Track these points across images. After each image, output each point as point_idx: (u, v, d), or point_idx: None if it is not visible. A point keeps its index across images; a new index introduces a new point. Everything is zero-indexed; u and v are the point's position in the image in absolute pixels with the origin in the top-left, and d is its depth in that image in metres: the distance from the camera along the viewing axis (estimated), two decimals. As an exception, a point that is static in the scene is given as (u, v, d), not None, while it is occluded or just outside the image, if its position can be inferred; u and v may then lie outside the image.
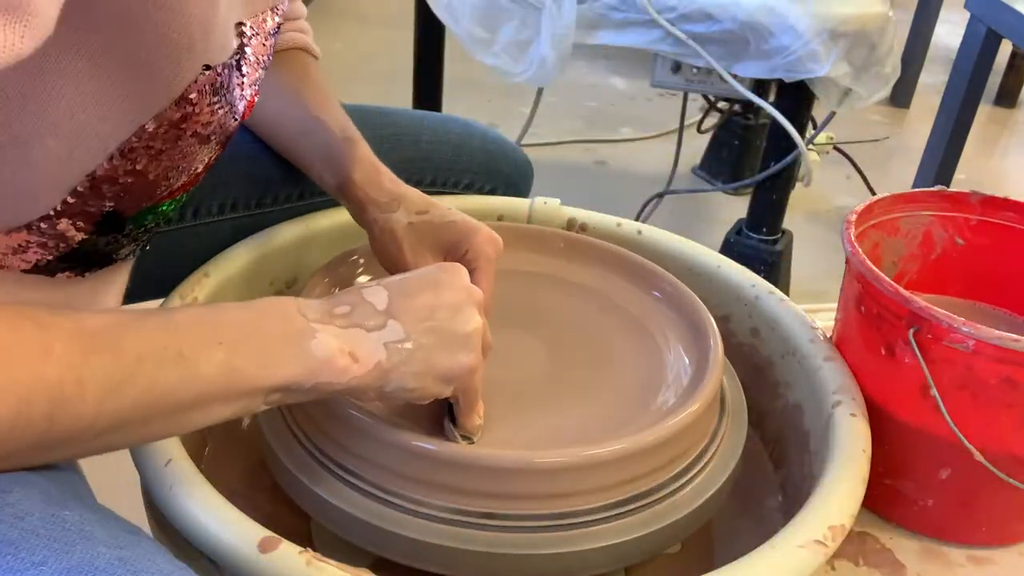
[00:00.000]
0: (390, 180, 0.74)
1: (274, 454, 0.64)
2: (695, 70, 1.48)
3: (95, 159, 0.53)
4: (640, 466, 0.62)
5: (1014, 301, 0.83)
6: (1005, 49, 2.06)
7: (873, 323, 0.71)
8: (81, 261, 0.61)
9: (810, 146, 1.59)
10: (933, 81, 2.84)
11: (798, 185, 1.64)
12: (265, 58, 0.63)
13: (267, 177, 0.85)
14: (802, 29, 1.35)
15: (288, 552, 0.52)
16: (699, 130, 2.18)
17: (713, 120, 2.20)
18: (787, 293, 1.14)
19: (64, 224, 0.56)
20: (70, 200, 0.55)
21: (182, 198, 0.64)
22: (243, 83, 0.61)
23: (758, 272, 0.86)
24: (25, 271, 0.58)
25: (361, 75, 2.63)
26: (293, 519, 0.66)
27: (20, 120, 0.49)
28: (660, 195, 1.90)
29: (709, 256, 0.87)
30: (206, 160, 0.63)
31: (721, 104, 2.07)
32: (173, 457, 0.59)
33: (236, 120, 0.62)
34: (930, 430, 0.68)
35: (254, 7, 0.60)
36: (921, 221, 0.82)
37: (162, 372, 0.46)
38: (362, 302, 0.55)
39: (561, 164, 2.29)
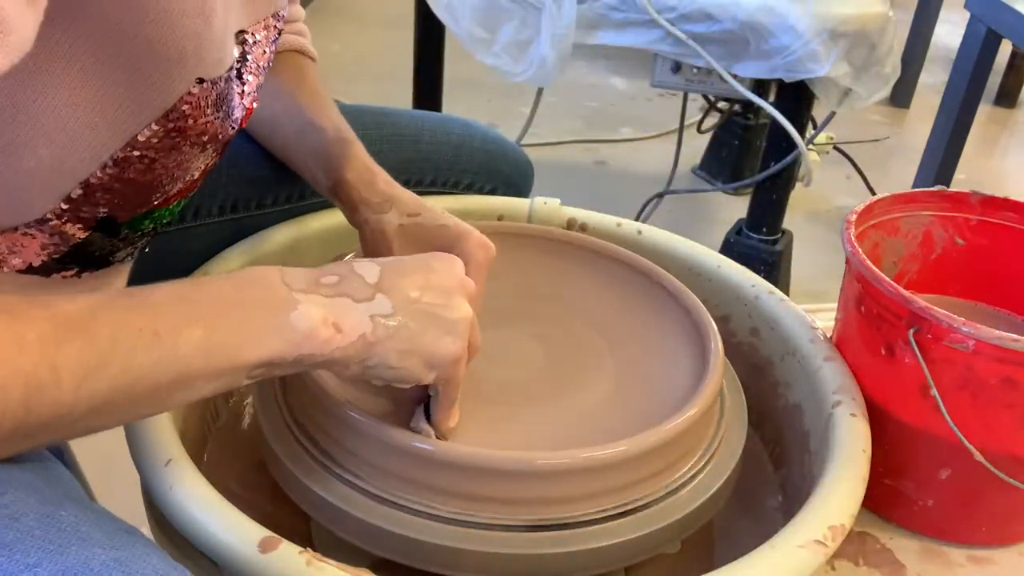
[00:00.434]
0: (384, 181, 0.74)
1: (274, 454, 0.64)
2: (695, 70, 1.48)
3: (88, 167, 0.53)
4: (640, 467, 0.62)
5: (1014, 301, 0.83)
6: (1005, 49, 2.06)
7: (873, 323, 0.71)
8: (77, 261, 0.61)
9: (810, 146, 1.59)
10: (933, 81, 2.84)
11: (798, 185, 1.64)
12: (265, 65, 0.63)
13: (267, 178, 0.85)
14: (802, 29, 1.35)
15: (288, 552, 0.52)
16: (699, 130, 2.18)
17: (713, 120, 2.20)
18: (787, 293, 1.14)
19: (53, 228, 0.56)
20: (64, 206, 0.55)
21: (179, 204, 0.64)
22: (243, 91, 0.61)
23: (758, 272, 0.86)
24: (21, 271, 0.58)
25: (361, 75, 2.63)
26: (293, 519, 0.66)
27: (12, 129, 0.49)
28: (660, 195, 1.90)
29: (709, 256, 0.87)
30: (202, 167, 0.63)
31: (721, 104, 2.07)
32: (173, 457, 0.59)
33: (234, 129, 0.62)
34: (930, 430, 0.68)
35: (255, 15, 0.59)
36: (921, 221, 0.82)
37: (137, 354, 0.45)
38: (352, 274, 0.55)
39: (561, 164, 2.29)
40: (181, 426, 0.66)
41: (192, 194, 0.65)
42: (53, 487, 0.48)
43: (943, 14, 2.64)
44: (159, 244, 0.70)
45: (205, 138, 0.59)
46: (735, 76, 1.43)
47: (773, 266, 1.68)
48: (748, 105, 2.02)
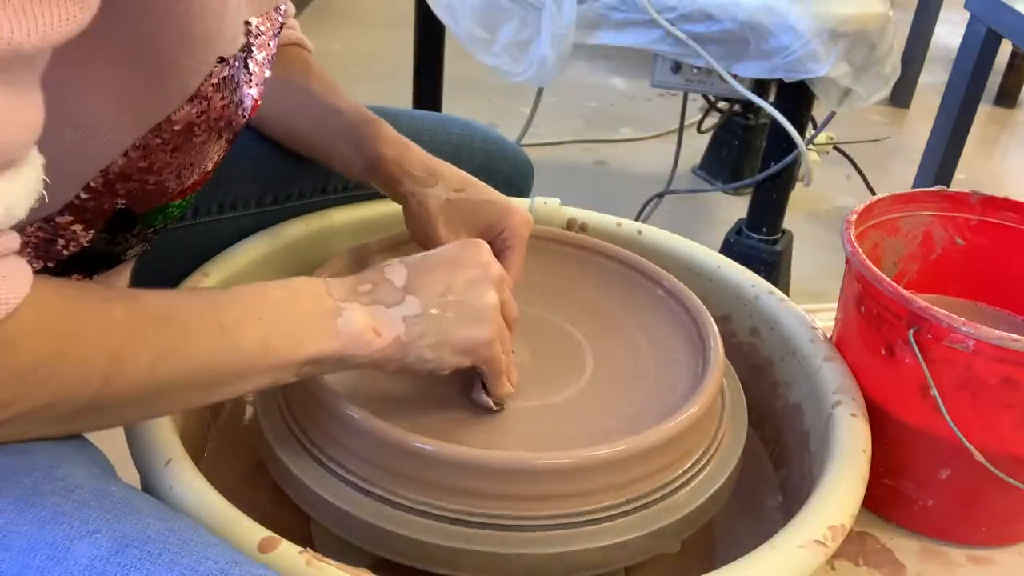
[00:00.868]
0: (422, 155, 0.76)
1: (274, 454, 0.64)
2: (695, 70, 1.48)
3: (110, 154, 0.54)
4: (640, 467, 0.62)
5: (1014, 301, 0.83)
6: (1005, 49, 2.06)
7: (873, 323, 0.71)
8: (91, 262, 0.61)
9: (810, 146, 1.59)
10: (933, 81, 2.84)
11: (798, 185, 1.64)
12: (269, 59, 0.63)
13: (268, 176, 0.85)
14: (802, 29, 1.35)
15: (288, 552, 0.52)
16: (699, 130, 2.18)
17: (713, 120, 2.20)
18: (787, 293, 1.14)
19: (71, 221, 0.56)
20: (83, 196, 0.55)
21: (191, 198, 0.65)
22: (251, 81, 0.61)
23: (758, 272, 0.86)
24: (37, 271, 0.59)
25: (361, 75, 2.63)
26: (293, 519, 0.66)
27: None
28: (660, 195, 1.90)
29: (709, 256, 0.87)
30: (215, 158, 0.63)
31: (721, 104, 2.07)
32: (173, 457, 0.59)
33: (244, 117, 0.62)
34: (930, 430, 0.68)
35: (260, 6, 0.60)
36: (921, 221, 0.82)
37: (204, 342, 0.50)
38: (383, 280, 0.59)
39: (561, 164, 2.29)
40: (181, 426, 0.66)
41: (203, 187, 0.65)
42: (98, 465, 0.51)
43: (943, 14, 2.64)
44: (159, 242, 0.70)
45: (222, 124, 0.59)
46: (735, 76, 1.43)
47: (773, 266, 1.68)
48: (748, 105, 2.02)
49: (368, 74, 2.63)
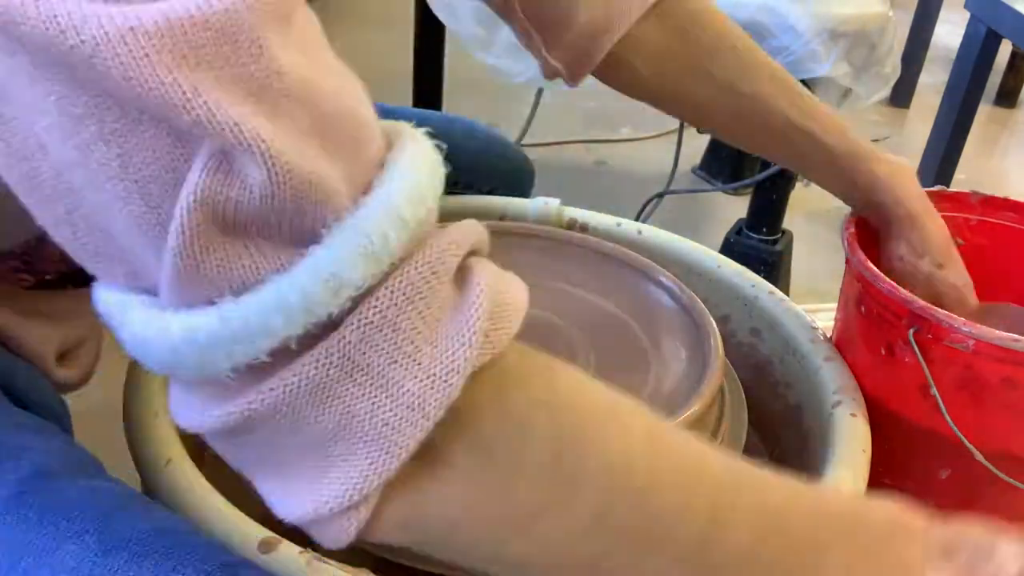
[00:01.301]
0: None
1: (274, 454, 0.64)
2: (695, 70, 1.48)
3: None
4: (640, 466, 0.62)
5: (1014, 301, 0.83)
6: (1005, 49, 2.06)
7: (873, 323, 0.71)
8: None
9: (810, 146, 1.59)
10: (933, 81, 2.84)
11: (798, 185, 1.64)
12: None
13: None
14: (802, 29, 1.35)
15: (288, 552, 0.52)
16: (699, 130, 2.18)
17: (713, 120, 2.20)
18: (787, 293, 1.14)
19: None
20: None
21: None
22: None
23: (758, 272, 0.86)
24: (30, 287, 0.58)
25: (361, 75, 2.62)
26: (293, 519, 0.66)
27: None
28: (660, 195, 1.90)
29: (709, 256, 0.87)
30: None
31: (721, 104, 2.06)
32: (173, 457, 0.59)
33: None
34: (930, 430, 0.68)
35: None
36: (921, 221, 0.82)
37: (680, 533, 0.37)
38: (983, 557, 0.41)
39: (561, 164, 2.29)
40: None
41: None
42: (86, 462, 0.50)
43: (943, 14, 2.64)
44: None
45: None
46: (735, 76, 1.43)
47: (773, 266, 1.68)
48: (748, 105, 2.01)
49: (368, 74, 2.62)
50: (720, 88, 0.72)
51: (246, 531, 0.53)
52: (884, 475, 0.71)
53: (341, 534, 0.36)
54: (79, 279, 0.60)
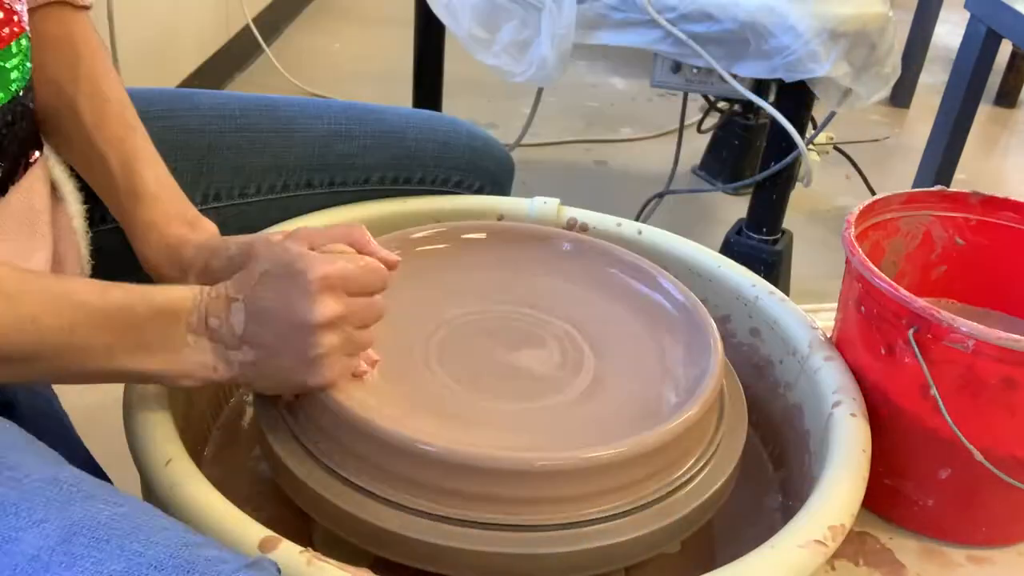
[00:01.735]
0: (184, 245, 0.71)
1: (274, 454, 0.64)
2: (695, 70, 1.48)
3: None
4: (640, 468, 0.62)
5: (1014, 301, 0.83)
6: (1005, 49, 2.06)
7: (873, 323, 0.71)
8: None
9: (810, 146, 1.59)
10: (933, 81, 2.84)
11: (798, 185, 1.64)
12: None
13: (250, 167, 0.85)
14: (802, 29, 1.35)
15: (288, 552, 0.52)
16: (699, 130, 2.18)
17: (713, 120, 2.20)
18: (787, 293, 1.14)
19: None
20: None
21: (17, 56, 0.62)
22: None
23: (758, 272, 0.86)
24: None
25: (361, 75, 2.63)
26: (293, 519, 0.66)
27: None
28: (660, 195, 1.90)
29: (709, 256, 0.87)
30: None
31: (721, 104, 2.06)
32: (173, 457, 0.59)
33: None
34: (930, 430, 0.68)
35: None
36: (921, 221, 0.82)
37: (50, 335, 0.54)
38: (226, 322, 0.59)
39: (561, 164, 2.29)
40: (181, 426, 0.66)
41: (19, 43, 0.62)
42: (48, 453, 0.51)
43: (943, 14, 2.63)
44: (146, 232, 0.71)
45: None
46: (735, 76, 1.43)
47: (773, 266, 1.68)
48: (748, 105, 2.02)
49: (368, 74, 2.63)
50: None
51: (246, 530, 0.54)
52: (884, 475, 0.71)
53: None
54: None
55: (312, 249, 0.61)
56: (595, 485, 0.60)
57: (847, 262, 0.74)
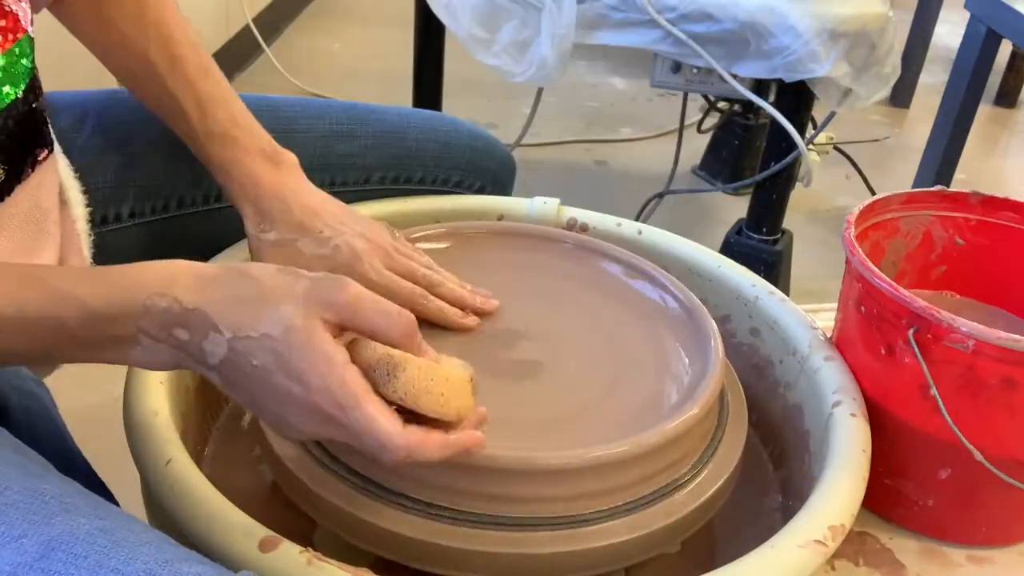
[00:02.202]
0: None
1: (274, 454, 0.64)
2: (695, 70, 1.48)
3: None
4: (641, 467, 0.62)
5: (1014, 301, 0.83)
6: (1005, 49, 2.06)
7: (873, 323, 0.71)
8: None
9: (810, 146, 1.59)
10: (933, 81, 2.84)
11: (798, 185, 1.64)
12: None
13: None
14: (802, 29, 1.35)
15: (288, 552, 0.52)
16: (699, 130, 2.18)
17: (713, 120, 2.20)
18: (787, 293, 1.14)
19: None
20: None
21: (20, 57, 0.62)
22: None
23: (758, 272, 0.86)
24: None
25: (361, 75, 2.63)
26: (293, 519, 0.66)
27: None
28: (660, 195, 1.90)
29: (709, 256, 0.87)
30: None
31: (721, 104, 2.06)
32: (173, 457, 0.59)
33: None
34: (930, 430, 0.68)
35: None
36: (921, 221, 0.82)
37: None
38: (197, 342, 0.52)
39: (561, 164, 2.29)
40: (181, 426, 0.66)
41: (21, 44, 0.62)
42: (35, 461, 0.50)
43: (943, 14, 2.63)
44: (169, 228, 0.71)
45: None
46: (735, 76, 1.43)
47: (773, 266, 1.68)
48: (748, 105, 2.02)
49: (368, 74, 2.63)
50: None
51: (246, 530, 0.54)
52: (884, 475, 0.71)
53: None
54: None
55: (342, 328, 0.53)
56: (595, 485, 0.60)
57: (847, 262, 0.74)
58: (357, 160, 0.88)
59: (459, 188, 0.94)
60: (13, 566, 0.42)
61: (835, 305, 0.78)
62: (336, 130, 0.88)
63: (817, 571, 0.57)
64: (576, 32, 1.44)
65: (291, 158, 0.75)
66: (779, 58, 1.37)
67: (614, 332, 0.75)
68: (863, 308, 0.72)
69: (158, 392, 0.65)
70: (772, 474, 0.79)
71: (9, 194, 0.64)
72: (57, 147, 0.72)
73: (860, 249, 0.71)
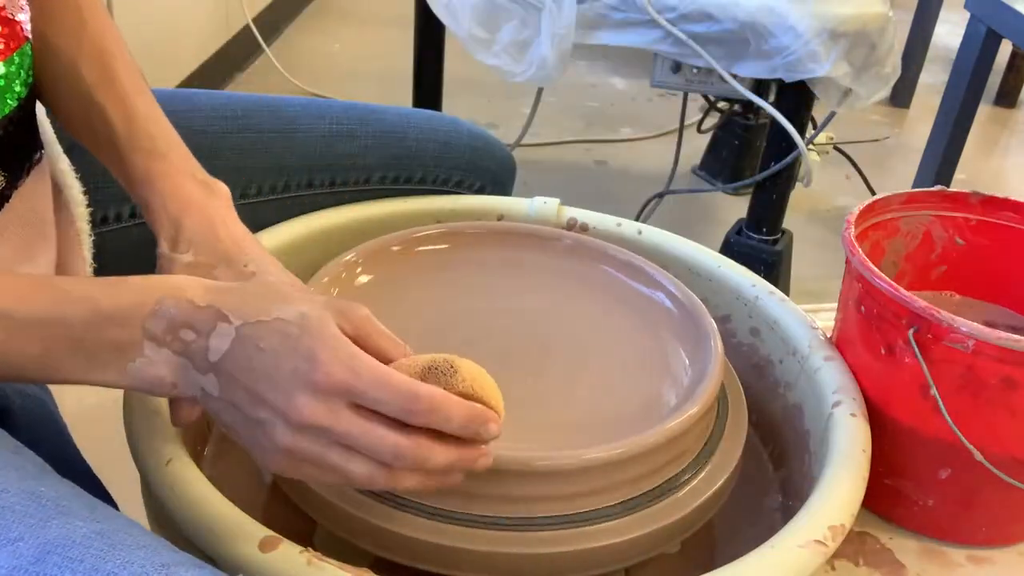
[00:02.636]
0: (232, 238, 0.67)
1: (274, 454, 0.64)
2: (695, 70, 1.48)
3: None
4: (640, 467, 0.62)
5: (1014, 301, 0.83)
6: (1005, 49, 2.06)
7: (873, 323, 0.71)
8: None
9: (810, 146, 1.59)
10: (933, 81, 2.84)
11: (798, 185, 1.64)
12: None
13: (251, 167, 0.85)
14: (802, 29, 1.35)
15: (288, 552, 0.52)
16: (699, 130, 2.18)
17: (713, 120, 2.20)
18: (787, 293, 1.15)
19: None
20: None
21: (19, 68, 0.62)
22: None
23: (758, 272, 0.86)
24: None
25: (361, 75, 2.63)
26: (293, 519, 0.66)
27: None
28: (660, 195, 1.90)
29: (709, 256, 0.87)
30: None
31: (721, 104, 2.07)
32: (173, 457, 0.59)
33: None
34: (930, 430, 0.68)
35: None
36: (921, 221, 0.82)
37: None
38: (203, 340, 0.51)
39: (561, 164, 2.29)
40: (181, 426, 0.66)
41: (22, 52, 0.61)
42: (33, 463, 0.49)
43: (943, 14, 2.64)
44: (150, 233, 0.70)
45: None
46: (735, 76, 1.43)
47: (773, 266, 1.68)
48: (748, 105, 2.02)
49: (368, 74, 2.63)
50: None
51: (246, 530, 0.54)
52: (884, 475, 0.71)
53: None
54: None
55: (354, 337, 0.51)
56: (595, 484, 0.60)
57: (847, 262, 0.74)
58: (357, 160, 0.89)
59: (459, 188, 0.94)
60: (8, 569, 0.42)
61: (835, 305, 0.78)
62: (336, 130, 0.88)
63: (817, 571, 0.57)
64: (576, 32, 1.44)
65: (224, 189, 0.69)
66: (779, 58, 1.38)
67: (614, 332, 0.75)
68: (863, 308, 0.72)
69: (158, 392, 0.65)
70: (772, 474, 0.79)
71: (8, 200, 0.64)
72: (57, 147, 0.72)
73: (860, 249, 0.71)
